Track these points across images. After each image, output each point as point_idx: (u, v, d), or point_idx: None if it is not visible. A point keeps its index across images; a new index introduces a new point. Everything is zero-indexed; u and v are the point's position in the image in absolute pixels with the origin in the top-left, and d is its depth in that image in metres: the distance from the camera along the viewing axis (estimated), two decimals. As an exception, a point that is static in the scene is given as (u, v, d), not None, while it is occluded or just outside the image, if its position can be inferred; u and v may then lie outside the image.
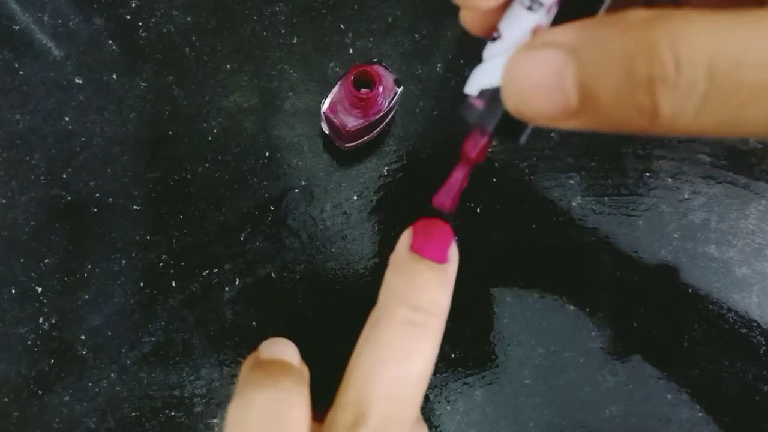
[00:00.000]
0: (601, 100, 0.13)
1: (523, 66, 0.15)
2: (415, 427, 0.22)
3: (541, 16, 0.16)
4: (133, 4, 0.34)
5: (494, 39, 0.17)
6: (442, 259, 0.21)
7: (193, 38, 0.34)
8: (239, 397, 0.20)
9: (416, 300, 0.20)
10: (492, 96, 0.17)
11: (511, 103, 0.15)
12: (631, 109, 0.13)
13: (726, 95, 0.12)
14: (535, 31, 0.16)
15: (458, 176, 0.19)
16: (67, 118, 0.33)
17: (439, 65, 0.34)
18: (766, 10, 0.12)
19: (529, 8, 0.16)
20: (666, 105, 0.13)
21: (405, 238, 0.21)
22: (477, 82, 0.18)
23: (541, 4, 0.16)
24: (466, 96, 0.18)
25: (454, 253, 0.21)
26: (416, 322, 0.20)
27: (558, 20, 0.16)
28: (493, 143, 0.20)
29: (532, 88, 0.14)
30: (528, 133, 0.18)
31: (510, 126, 0.17)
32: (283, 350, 0.22)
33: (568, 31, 0.14)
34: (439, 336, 0.20)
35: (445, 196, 0.20)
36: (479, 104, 0.17)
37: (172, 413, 0.30)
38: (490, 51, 0.17)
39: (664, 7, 0.13)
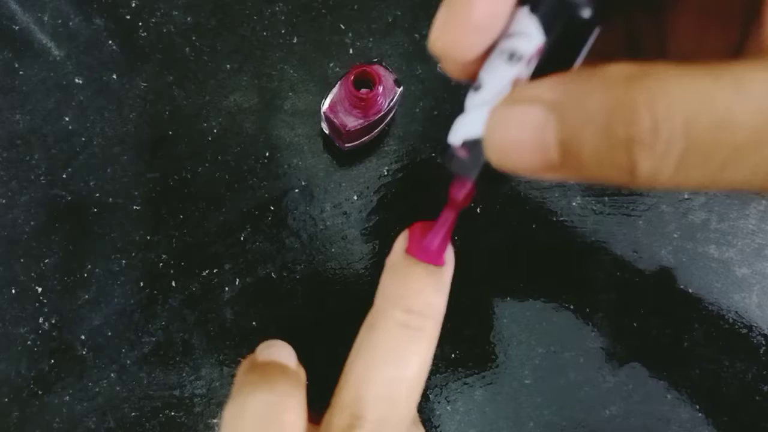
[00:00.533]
0: (582, 157, 0.14)
1: (504, 122, 0.15)
2: (411, 428, 0.22)
3: (521, 68, 0.16)
4: (133, 4, 0.34)
5: (476, 89, 0.17)
6: (437, 262, 0.21)
7: (193, 38, 0.34)
8: (235, 400, 0.20)
9: (411, 303, 0.20)
10: (474, 147, 0.17)
11: (493, 157, 0.15)
12: (610, 167, 0.13)
13: (704, 156, 0.12)
14: (516, 83, 0.16)
15: (447, 219, 0.20)
16: (67, 118, 0.33)
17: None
18: (746, 66, 0.12)
19: (509, 59, 0.16)
20: (644, 165, 0.13)
21: (401, 241, 0.21)
22: (460, 133, 0.18)
23: (521, 57, 0.16)
24: (449, 146, 0.18)
25: (450, 255, 0.21)
26: (411, 326, 0.20)
27: (538, 72, 0.16)
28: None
29: (513, 143, 0.15)
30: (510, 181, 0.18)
31: (493, 173, 0.17)
32: (279, 353, 0.22)
33: (548, 87, 0.14)
34: (434, 339, 0.20)
35: (434, 239, 0.20)
36: (463, 154, 0.18)
37: (172, 413, 0.30)
38: (472, 101, 0.18)
39: (643, 61, 0.13)
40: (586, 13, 0.15)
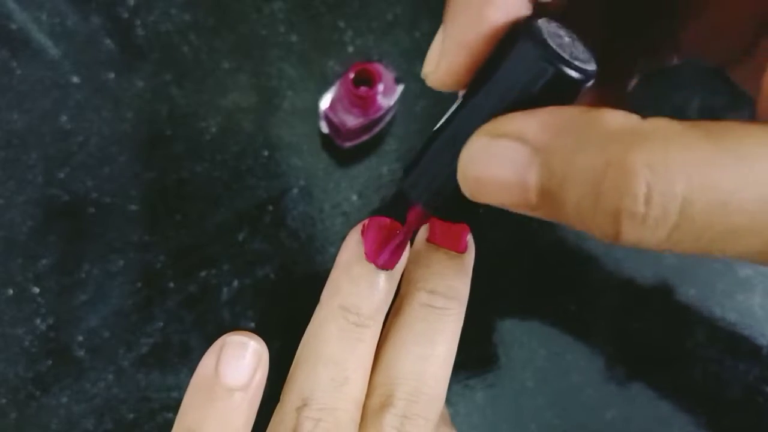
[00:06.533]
0: (563, 209, 0.13)
1: (483, 155, 0.14)
2: (442, 429, 0.22)
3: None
4: (131, 2, 0.34)
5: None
6: (457, 248, 0.21)
7: (191, 37, 0.34)
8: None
9: (434, 286, 0.20)
10: (426, 173, 0.17)
11: (467, 189, 0.15)
12: (592, 226, 0.12)
13: (696, 232, 0.12)
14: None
15: (398, 236, 0.20)
16: (64, 118, 0.32)
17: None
18: (753, 140, 0.12)
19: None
20: (629, 234, 0.12)
21: (422, 232, 0.21)
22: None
23: None
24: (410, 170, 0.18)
25: (470, 243, 0.21)
26: (435, 306, 0.20)
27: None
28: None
29: (491, 180, 0.14)
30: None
31: (455, 203, 0.17)
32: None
33: (536, 125, 0.13)
34: (459, 320, 0.21)
35: (385, 252, 0.20)
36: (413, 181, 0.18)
37: (170, 415, 0.29)
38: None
39: (641, 117, 0.12)
40: (572, 72, 0.14)
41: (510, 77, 0.14)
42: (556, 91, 0.14)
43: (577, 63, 0.14)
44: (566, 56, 0.14)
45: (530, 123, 0.13)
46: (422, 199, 0.18)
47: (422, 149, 0.17)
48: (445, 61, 0.15)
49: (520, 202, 0.14)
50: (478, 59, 0.15)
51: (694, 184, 0.11)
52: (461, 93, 0.17)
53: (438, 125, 0.17)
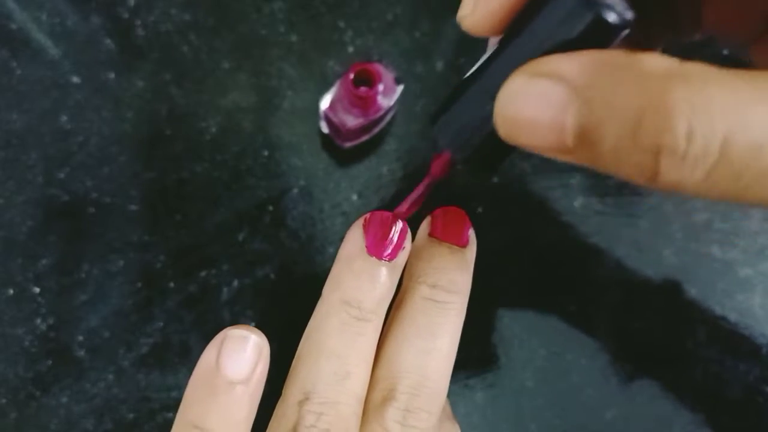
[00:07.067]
0: (600, 149, 0.13)
1: (522, 94, 0.14)
2: (445, 424, 0.22)
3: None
4: (131, 2, 0.34)
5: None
6: (459, 242, 0.21)
7: (191, 37, 0.34)
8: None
9: (436, 279, 0.20)
10: (455, 121, 0.17)
11: (503, 129, 0.14)
12: (629, 166, 0.12)
13: (734, 173, 0.12)
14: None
15: (419, 187, 0.20)
16: (64, 118, 0.32)
17: (439, 63, 0.34)
18: None
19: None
20: (669, 173, 0.12)
21: (424, 226, 0.22)
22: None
23: None
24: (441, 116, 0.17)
25: (471, 237, 0.22)
26: (437, 299, 0.20)
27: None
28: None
29: (528, 120, 0.14)
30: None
31: (485, 153, 0.17)
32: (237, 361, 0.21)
33: (576, 65, 0.13)
34: (461, 315, 0.21)
35: (404, 203, 0.20)
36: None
37: (170, 415, 0.29)
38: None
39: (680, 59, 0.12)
40: (611, 16, 0.14)
41: (549, 22, 0.14)
42: (594, 36, 0.14)
43: (615, 10, 0.14)
44: (606, 2, 0.14)
45: (569, 63, 0.13)
46: (452, 145, 0.17)
47: (452, 95, 0.17)
48: (482, 4, 0.15)
49: (556, 144, 0.13)
50: (515, 4, 0.15)
51: (733, 125, 0.11)
52: (491, 42, 0.16)
53: (468, 73, 0.16)
